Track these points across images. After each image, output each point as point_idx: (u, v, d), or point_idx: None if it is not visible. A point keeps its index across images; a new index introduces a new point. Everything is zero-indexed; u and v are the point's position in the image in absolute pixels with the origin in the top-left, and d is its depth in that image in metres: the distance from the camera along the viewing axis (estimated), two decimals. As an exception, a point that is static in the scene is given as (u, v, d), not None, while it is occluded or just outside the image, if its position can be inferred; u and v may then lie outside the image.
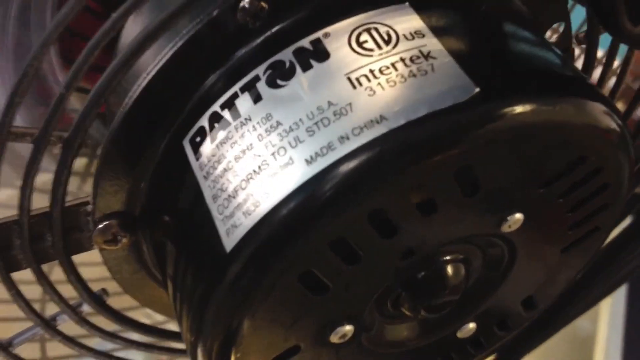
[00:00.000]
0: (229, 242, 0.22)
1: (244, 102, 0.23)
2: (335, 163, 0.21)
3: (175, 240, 0.25)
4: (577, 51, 0.36)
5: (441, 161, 0.21)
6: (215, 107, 0.24)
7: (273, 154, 0.22)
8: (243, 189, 0.22)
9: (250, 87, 0.23)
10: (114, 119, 0.24)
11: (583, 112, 0.23)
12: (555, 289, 0.31)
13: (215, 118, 0.23)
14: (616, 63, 0.38)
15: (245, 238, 0.21)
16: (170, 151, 0.25)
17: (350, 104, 0.21)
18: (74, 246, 0.27)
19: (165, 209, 0.25)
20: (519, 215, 0.24)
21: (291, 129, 0.22)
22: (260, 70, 0.23)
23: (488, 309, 0.30)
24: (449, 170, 0.21)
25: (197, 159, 0.24)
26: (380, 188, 0.21)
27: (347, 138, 0.21)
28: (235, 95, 0.23)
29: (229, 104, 0.23)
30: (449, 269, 0.26)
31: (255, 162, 0.22)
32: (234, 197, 0.22)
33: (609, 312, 0.77)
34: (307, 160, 0.21)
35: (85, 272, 0.29)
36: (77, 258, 0.28)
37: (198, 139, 0.24)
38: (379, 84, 0.22)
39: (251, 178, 0.22)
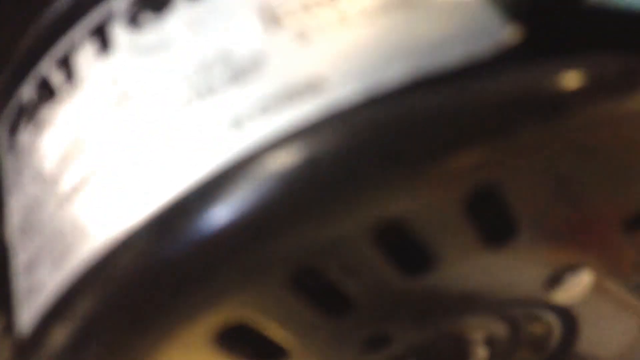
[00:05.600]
0: (27, 318, 0.12)
1: (85, 56, 0.13)
2: (220, 178, 0.10)
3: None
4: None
5: (437, 178, 0.10)
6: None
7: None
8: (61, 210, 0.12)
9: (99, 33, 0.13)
10: None
11: None
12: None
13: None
14: None
15: (52, 314, 0.11)
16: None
17: (262, 53, 0.11)
18: None
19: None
20: (586, 276, 0.14)
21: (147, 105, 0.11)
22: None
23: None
24: (452, 196, 0.11)
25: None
26: (301, 235, 0.10)
27: (242, 122, 0.10)
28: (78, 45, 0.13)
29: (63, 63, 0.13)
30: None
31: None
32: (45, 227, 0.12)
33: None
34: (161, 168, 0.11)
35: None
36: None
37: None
38: (319, 20, 0.11)
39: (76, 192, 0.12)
